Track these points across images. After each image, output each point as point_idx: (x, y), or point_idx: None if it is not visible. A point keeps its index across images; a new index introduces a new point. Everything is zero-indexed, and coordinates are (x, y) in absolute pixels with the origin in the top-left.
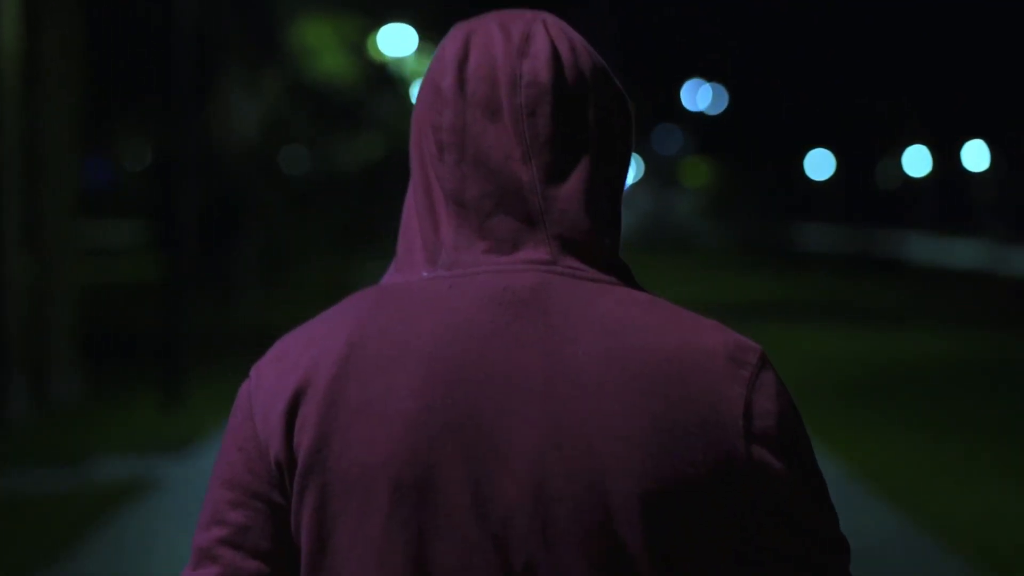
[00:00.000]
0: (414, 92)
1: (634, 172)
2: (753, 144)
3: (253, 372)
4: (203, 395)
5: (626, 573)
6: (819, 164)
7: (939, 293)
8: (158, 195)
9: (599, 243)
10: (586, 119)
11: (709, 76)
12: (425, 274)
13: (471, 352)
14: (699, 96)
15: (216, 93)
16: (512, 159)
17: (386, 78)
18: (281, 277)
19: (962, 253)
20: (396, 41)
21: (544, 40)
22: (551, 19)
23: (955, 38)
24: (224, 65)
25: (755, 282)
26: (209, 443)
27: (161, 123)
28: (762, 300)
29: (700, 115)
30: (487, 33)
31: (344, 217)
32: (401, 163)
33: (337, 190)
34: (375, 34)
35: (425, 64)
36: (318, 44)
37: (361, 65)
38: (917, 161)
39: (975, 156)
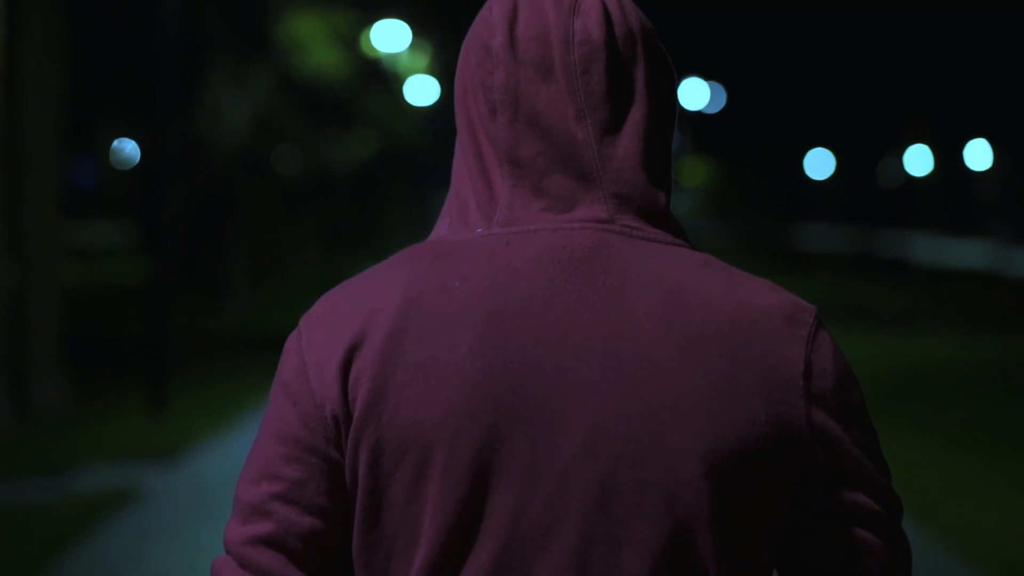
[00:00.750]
0: (407, 89)
1: None
2: (752, 143)
3: (303, 325)
4: (190, 401)
5: (684, 533)
6: (819, 163)
7: (946, 295)
8: (143, 195)
9: (655, 200)
10: (637, 77)
11: (706, 74)
12: (480, 231)
13: (530, 311)
14: (696, 94)
15: (204, 89)
16: (567, 117)
17: (379, 74)
18: (272, 279)
19: (966, 254)
20: (389, 37)
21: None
22: None
23: (958, 35)
24: (212, 60)
25: None
26: (196, 451)
27: (146, 121)
28: None
29: (698, 114)
30: None
31: (336, 217)
32: (393, 162)
33: (329, 189)
34: (368, 30)
35: (418, 61)
36: (309, 38)
37: (353, 60)
38: (919, 160)
39: (978, 155)
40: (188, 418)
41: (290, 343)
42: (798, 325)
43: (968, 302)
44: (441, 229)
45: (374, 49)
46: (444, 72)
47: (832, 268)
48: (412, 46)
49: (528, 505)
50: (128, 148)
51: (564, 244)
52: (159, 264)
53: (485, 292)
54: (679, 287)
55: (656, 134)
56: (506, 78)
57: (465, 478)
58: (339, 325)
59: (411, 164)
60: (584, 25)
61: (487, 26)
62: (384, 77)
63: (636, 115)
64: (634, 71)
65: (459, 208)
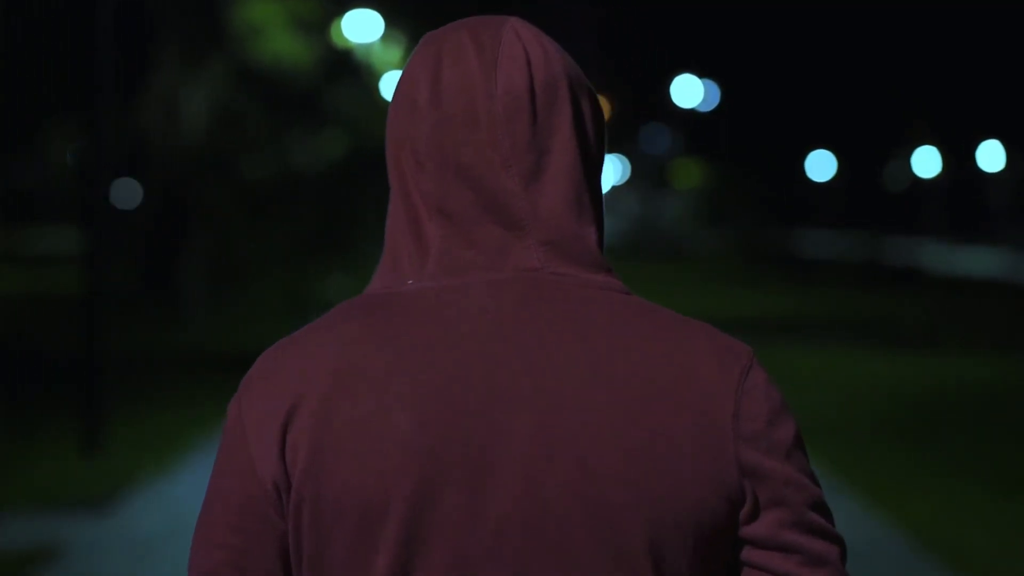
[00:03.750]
0: (382, 83)
1: (620, 174)
2: (748, 144)
3: (242, 389)
4: (130, 435)
5: None
6: (819, 165)
7: (967, 308)
8: (80, 199)
9: (584, 246)
10: (562, 123)
11: (700, 71)
12: (411, 282)
13: (462, 365)
14: (689, 92)
15: (154, 83)
16: (493, 167)
17: (351, 67)
18: (234, 293)
19: (979, 261)
20: (361, 27)
21: (516, 47)
22: (520, 24)
23: (968, 28)
24: (162, 50)
25: (758, 295)
26: (133, 497)
27: (83, 121)
28: (768, 316)
29: (691, 112)
30: (458, 43)
31: (304, 225)
32: (367, 163)
33: (297, 194)
34: (339, 20)
35: (392, 53)
36: (265, 23)
37: (319, 50)
38: (927, 162)
39: (990, 157)
40: (125, 457)
41: (232, 407)
42: (729, 368)
43: (994, 316)
44: (376, 281)
45: (345, 40)
46: None
47: (836, 277)
48: (385, 37)
49: (467, 559)
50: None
51: (494, 296)
52: (93, 274)
53: (417, 348)
54: (610, 334)
55: (584, 178)
56: (431, 131)
57: (403, 535)
58: (276, 388)
59: (385, 165)
60: (507, 75)
61: (411, 79)
62: (356, 70)
63: (562, 161)
64: (558, 117)
65: (392, 260)
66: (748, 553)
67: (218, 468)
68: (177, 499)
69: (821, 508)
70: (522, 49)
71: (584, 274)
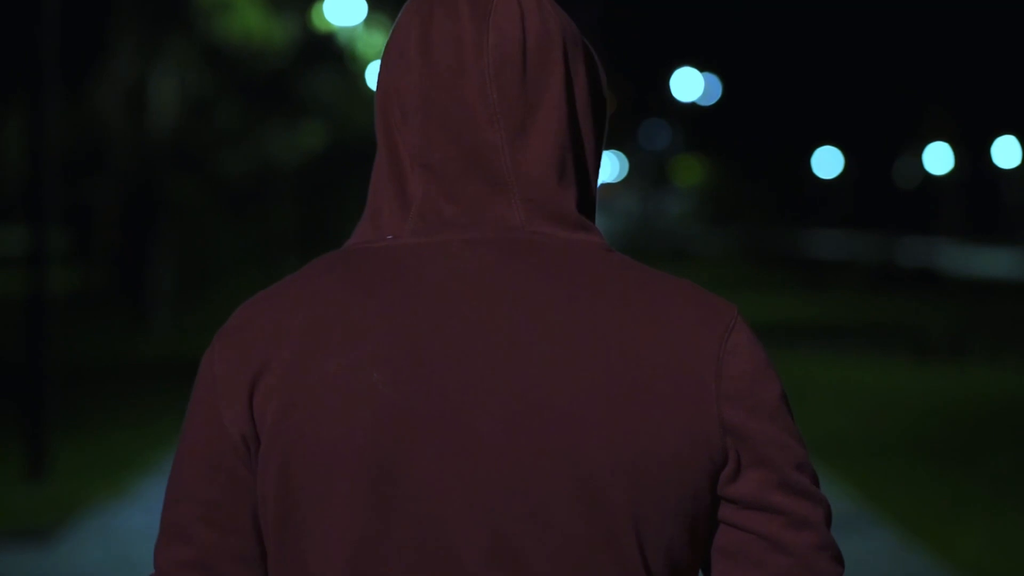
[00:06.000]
0: (367, 72)
1: (618, 171)
2: (751, 140)
3: (216, 341)
4: (83, 455)
5: (605, 540)
6: (826, 162)
7: (991, 313)
8: (27, 196)
9: (566, 205)
10: (553, 81)
11: (700, 63)
12: (390, 237)
13: (439, 322)
14: (689, 85)
15: (110, 65)
16: (478, 121)
17: (333, 52)
18: (205, 296)
19: (998, 262)
20: (343, 10)
21: (511, 1)
22: None
23: (982, 19)
24: (118, 27)
25: (767, 299)
26: (83, 525)
27: (26, 112)
28: (779, 322)
29: (691, 107)
30: None
31: (282, 223)
32: (350, 157)
33: (274, 189)
34: (320, 2)
35: (376, 38)
36: None
37: (297, 32)
38: (939, 158)
39: (1006, 153)
40: (73, 480)
41: (205, 358)
42: (712, 327)
43: (1022, 322)
44: (356, 235)
45: (326, 22)
46: None
47: (848, 280)
48: (368, 21)
49: (441, 519)
50: None
51: (473, 254)
52: (37, 278)
53: (393, 304)
54: (590, 293)
55: (570, 139)
56: (419, 82)
57: (374, 492)
58: (249, 342)
59: (371, 159)
60: (498, 28)
61: (403, 30)
62: (339, 56)
63: (550, 119)
64: (550, 75)
65: (373, 212)
66: (730, 513)
67: (189, 421)
68: (129, 529)
69: (805, 469)
70: (517, 4)
71: (565, 233)
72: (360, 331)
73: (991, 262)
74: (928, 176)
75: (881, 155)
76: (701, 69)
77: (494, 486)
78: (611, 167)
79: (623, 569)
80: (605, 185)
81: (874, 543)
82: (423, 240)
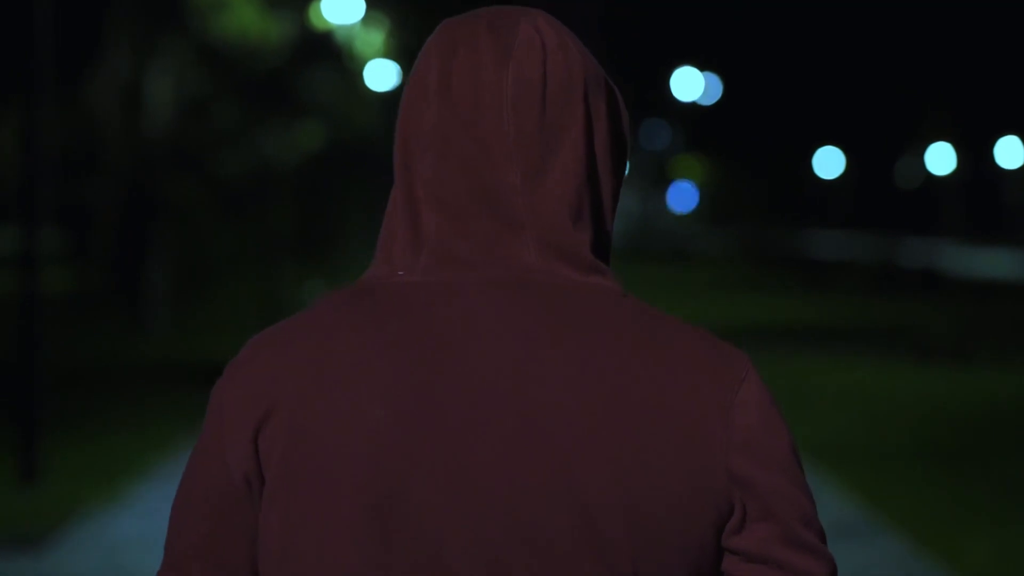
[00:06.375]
0: (365, 71)
1: None
2: (752, 139)
3: (227, 374)
4: (76, 460)
5: None
6: (827, 162)
7: (995, 314)
8: (20, 197)
9: (581, 247)
10: (573, 121)
11: (701, 63)
12: (402, 273)
13: (444, 362)
14: (689, 85)
15: (104, 65)
16: (495, 160)
17: (330, 51)
18: (202, 297)
19: (1001, 263)
20: (340, 8)
21: (534, 38)
22: (541, 16)
23: (983, 19)
24: (114, 25)
25: (768, 300)
26: (75, 532)
27: (19, 112)
28: (780, 324)
29: (691, 106)
30: (474, 31)
31: (280, 223)
32: (349, 157)
33: (272, 191)
34: (318, 1)
35: (374, 36)
36: None
37: (294, 30)
38: (941, 159)
39: (1008, 153)
40: (66, 486)
41: (215, 392)
42: (722, 377)
43: None
44: (370, 271)
45: (323, 21)
46: (402, 52)
47: (850, 281)
48: (366, 19)
49: (440, 551)
50: None
51: (484, 296)
52: (30, 279)
53: (398, 343)
54: (600, 340)
55: (589, 182)
56: (437, 118)
57: (375, 528)
58: (255, 380)
59: (370, 160)
60: (519, 65)
61: (424, 66)
62: (336, 55)
63: (567, 160)
64: (569, 115)
65: (387, 247)
66: (734, 566)
67: (194, 454)
68: (124, 536)
69: (812, 524)
70: (540, 42)
71: (578, 275)
72: (366, 368)
73: (993, 263)
74: (930, 176)
75: (883, 155)
76: (701, 68)
77: (494, 520)
78: None
79: None
80: None
81: (880, 551)
82: (434, 279)
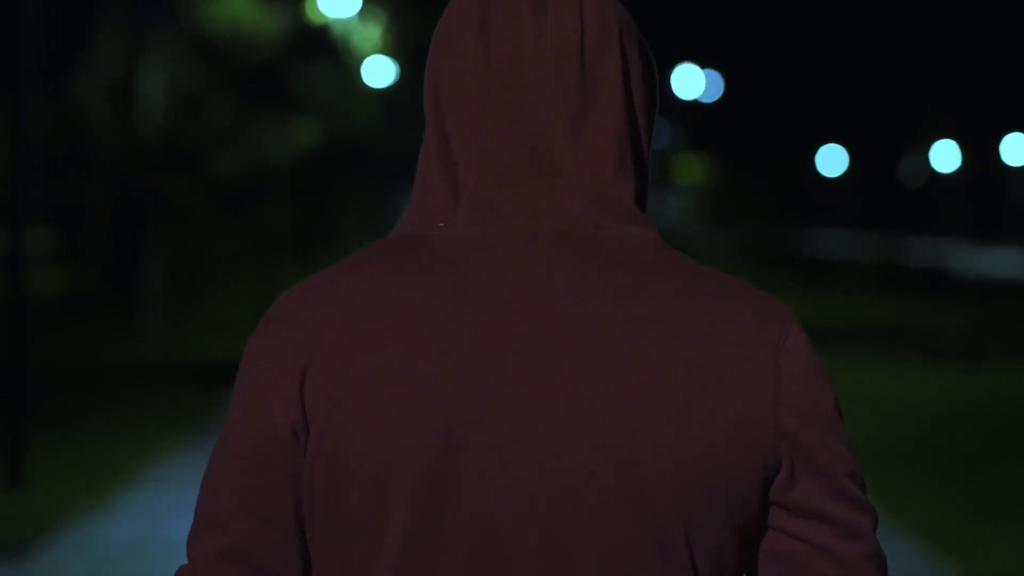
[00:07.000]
0: (363, 65)
1: None
2: (754, 138)
3: (262, 329)
4: (64, 464)
5: (656, 543)
6: (830, 160)
7: (1004, 314)
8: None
9: (625, 199)
10: (611, 72)
11: (702, 60)
12: (441, 225)
13: (494, 317)
14: (690, 82)
15: (93, 60)
16: (537, 111)
17: (327, 46)
18: (198, 297)
19: (1007, 262)
20: (337, 2)
21: None
22: None
23: (989, 15)
24: (101, 16)
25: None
26: (62, 538)
27: (10, 104)
28: None
29: (692, 104)
30: None
31: (276, 222)
32: (347, 154)
33: (268, 188)
34: None
35: (371, 31)
36: None
37: (289, 23)
38: (946, 156)
39: (1014, 150)
40: (54, 489)
41: (250, 345)
42: (769, 331)
43: None
44: (404, 222)
45: (319, 14)
46: (400, 48)
47: (855, 281)
48: (363, 13)
49: (492, 518)
50: None
51: (530, 249)
52: (16, 279)
53: (446, 296)
54: (648, 294)
55: (629, 131)
56: (475, 70)
57: (423, 489)
58: (296, 331)
59: (369, 157)
60: (557, 18)
61: (457, 16)
62: (333, 50)
63: (608, 110)
64: (608, 66)
65: (421, 199)
66: (782, 519)
67: (235, 409)
68: (113, 543)
69: (856, 477)
70: None
71: (622, 227)
72: (411, 322)
73: (999, 261)
74: (934, 174)
75: (887, 153)
76: (702, 66)
77: (544, 483)
78: None
79: (672, 570)
80: None
81: (895, 557)
82: (476, 230)
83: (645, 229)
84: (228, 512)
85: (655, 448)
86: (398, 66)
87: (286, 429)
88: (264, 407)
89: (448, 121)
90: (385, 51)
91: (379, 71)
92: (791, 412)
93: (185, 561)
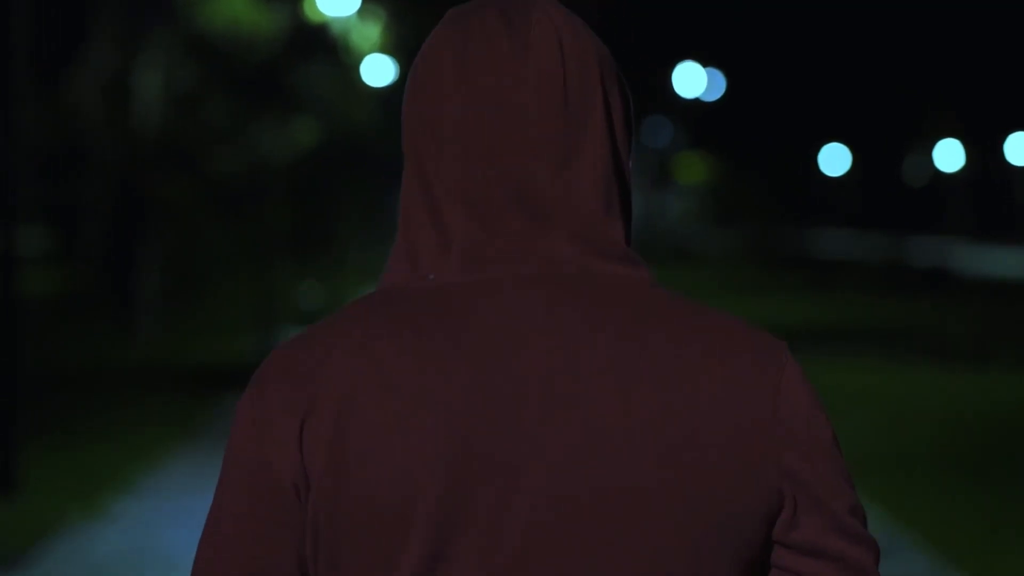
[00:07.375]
0: (362, 66)
1: None
2: (756, 137)
3: (254, 387)
4: (57, 470)
5: None
6: (833, 159)
7: (1010, 316)
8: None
9: (614, 238)
10: (594, 109)
11: (704, 59)
12: (432, 276)
13: (490, 365)
14: (692, 81)
15: (89, 59)
16: (521, 153)
17: (326, 45)
18: (194, 300)
19: (1012, 263)
20: (335, 1)
21: (548, 28)
22: (550, 4)
23: (993, 13)
24: (96, 15)
25: (775, 302)
26: (55, 547)
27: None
28: (789, 326)
29: (694, 103)
30: (485, 22)
31: (274, 224)
32: (346, 154)
33: (266, 189)
34: None
35: (371, 30)
36: None
37: (287, 22)
38: (949, 156)
39: (1018, 150)
40: (47, 497)
41: (242, 404)
42: (765, 367)
43: None
44: (391, 275)
45: (318, 13)
46: (399, 47)
47: (858, 281)
48: (362, 12)
49: (496, 563)
50: None
51: (522, 294)
52: (7, 281)
53: (443, 347)
54: (643, 333)
55: (615, 169)
56: (457, 113)
57: (430, 537)
58: (292, 386)
59: (370, 157)
60: (538, 57)
61: (433, 57)
62: (332, 49)
63: (594, 148)
64: (590, 105)
65: (409, 248)
66: (785, 559)
67: (230, 471)
68: (106, 552)
69: (858, 512)
70: (554, 31)
71: (613, 268)
72: (410, 374)
73: (1004, 262)
74: (938, 173)
75: (890, 152)
76: (704, 64)
77: (549, 529)
78: None
79: None
80: None
81: (905, 568)
82: (469, 279)
83: (637, 269)
84: (227, 568)
85: (661, 487)
86: (397, 65)
87: (288, 484)
88: (264, 465)
89: (428, 166)
90: (384, 50)
91: (378, 70)
92: (792, 448)
93: (181, 572)
